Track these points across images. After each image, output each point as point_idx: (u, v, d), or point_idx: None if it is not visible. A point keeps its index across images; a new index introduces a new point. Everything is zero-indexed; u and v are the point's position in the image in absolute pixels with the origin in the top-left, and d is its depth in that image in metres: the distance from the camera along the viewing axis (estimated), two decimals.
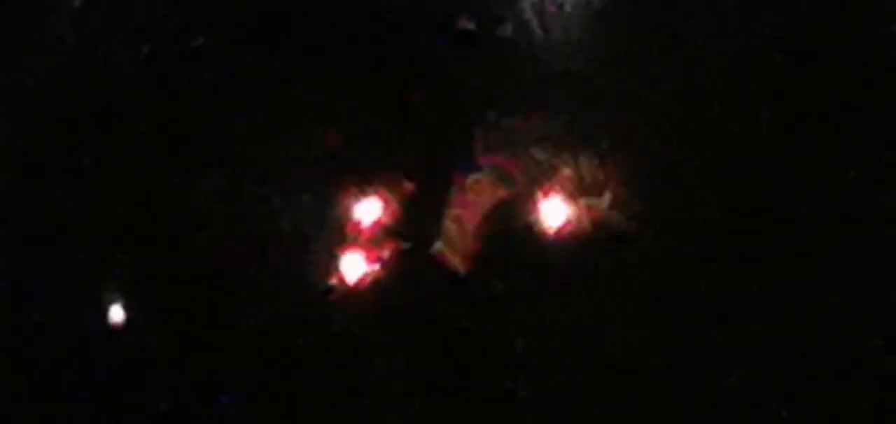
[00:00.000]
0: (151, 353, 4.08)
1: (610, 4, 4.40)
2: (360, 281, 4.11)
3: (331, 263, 4.13)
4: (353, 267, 4.12)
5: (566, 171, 4.17)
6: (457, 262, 4.08)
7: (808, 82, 4.21)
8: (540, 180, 4.16)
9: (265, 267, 4.15)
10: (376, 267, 4.12)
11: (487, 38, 4.36)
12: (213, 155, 4.32)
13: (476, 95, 4.29)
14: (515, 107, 4.26)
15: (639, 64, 4.29)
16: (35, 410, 4.08)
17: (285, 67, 4.41)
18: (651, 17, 4.36)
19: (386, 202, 4.18)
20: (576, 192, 4.14)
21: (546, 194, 4.15)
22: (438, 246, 4.10)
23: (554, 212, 4.12)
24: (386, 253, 4.13)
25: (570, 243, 4.09)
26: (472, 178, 4.17)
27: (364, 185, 4.21)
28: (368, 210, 4.18)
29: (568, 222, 4.11)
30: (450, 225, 4.13)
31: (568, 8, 4.40)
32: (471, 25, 4.36)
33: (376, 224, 4.17)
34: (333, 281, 4.11)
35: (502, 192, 4.16)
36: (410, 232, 4.14)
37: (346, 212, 4.19)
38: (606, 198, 4.12)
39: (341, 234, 4.16)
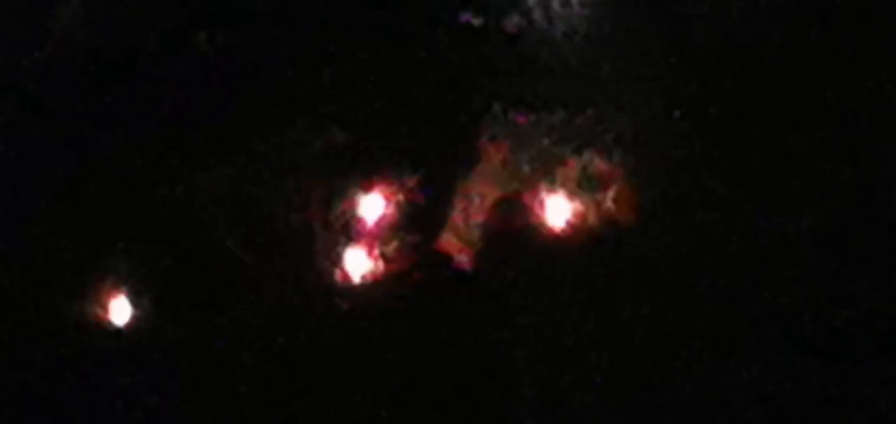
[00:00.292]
0: (151, 353, 4.07)
1: None
2: (365, 277, 4.10)
3: (335, 260, 4.12)
4: (358, 263, 4.11)
5: (573, 165, 4.16)
6: (462, 257, 4.08)
7: (813, 82, 4.19)
8: (547, 174, 4.16)
9: (265, 267, 4.13)
10: (381, 263, 4.11)
11: (493, 32, 4.35)
12: (214, 153, 4.30)
13: (482, 89, 4.28)
14: (521, 100, 4.25)
15: (645, 59, 4.29)
16: (35, 410, 4.07)
17: (286, 63, 4.40)
18: (659, 11, 4.35)
19: (390, 197, 4.18)
20: (582, 187, 4.14)
21: (553, 189, 4.14)
22: (444, 241, 4.10)
23: (561, 207, 4.12)
24: (391, 249, 4.12)
25: (577, 238, 4.09)
26: (478, 173, 4.16)
27: (368, 181, 4.20)
28: (373, 205, 4.17)
29: (574, 217, 4.11)
30: (455, 220, 4.12)
31: (574, 1, 4.40)
32: (476, 21, 4.36)
33: (381, 219, 4.16)
34: (338, 277, 4.10)
35: (509, 187, 4.15)
36: (415, 227, 4.14)
37: (350, 209, 4.18)
38: (613, 192, 4.11)
39: (345, 231, 4.15)
